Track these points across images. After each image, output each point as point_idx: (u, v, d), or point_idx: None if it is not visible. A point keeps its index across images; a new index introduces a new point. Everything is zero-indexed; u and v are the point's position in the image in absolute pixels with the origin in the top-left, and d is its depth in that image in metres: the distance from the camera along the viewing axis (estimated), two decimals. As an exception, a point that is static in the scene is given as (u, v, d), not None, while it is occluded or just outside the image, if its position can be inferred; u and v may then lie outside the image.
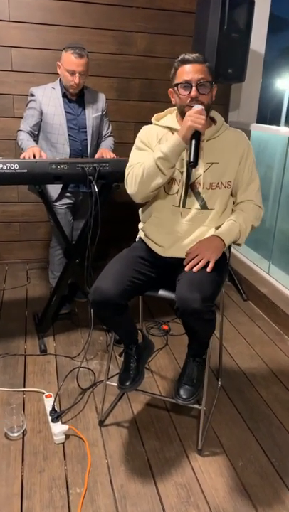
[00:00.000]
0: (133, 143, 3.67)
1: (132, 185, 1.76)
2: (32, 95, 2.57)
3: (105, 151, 2.62)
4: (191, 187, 1.77)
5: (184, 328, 1.81)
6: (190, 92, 1.66)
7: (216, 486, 1.69)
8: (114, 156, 2.58)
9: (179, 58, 1.70)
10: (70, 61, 2.44)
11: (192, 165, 1.62)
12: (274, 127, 3.15)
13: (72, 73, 2.46)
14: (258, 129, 3.25)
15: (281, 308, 2.87)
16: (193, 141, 1.61)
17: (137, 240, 2.01)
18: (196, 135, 1.61)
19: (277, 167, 3.11)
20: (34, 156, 2.30)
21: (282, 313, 2.84)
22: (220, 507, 1.60)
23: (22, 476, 1.69)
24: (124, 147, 3.17)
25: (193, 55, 1.67)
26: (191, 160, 1.60)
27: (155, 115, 1.84)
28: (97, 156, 2.61)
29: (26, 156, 2.31)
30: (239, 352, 2.57)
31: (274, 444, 1.90)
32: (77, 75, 2.46)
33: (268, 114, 3.75)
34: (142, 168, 1.70)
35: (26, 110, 2.59)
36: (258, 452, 1.85)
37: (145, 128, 1.86)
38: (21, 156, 2.33)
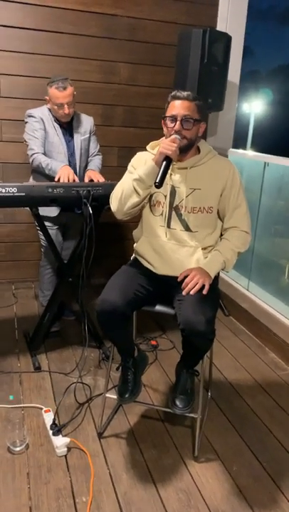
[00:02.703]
0: (116, 166, 3.83)
1: (112, 203, 1.95)
2: (32, 116, 2.64)
3: (94, 173, 2.73)
4: (175, 210, 1.92)
5: (184, 345, 1.92)
6: (174, 126, 1.82)
7: (213, 490, 1.79)
8: (102, 178, 2.68)
9: (172, 94, 1.86)
10: (56, 96, 2.54)
11: (156, 185, 1.74)
12: (251, 153, 3.37)
13: (61, 106, 2.58)
14: (235, 154, 3.46)
15: (261, 322, 3.03)
16: (163, 164, 1.74)
17: (132, 258, 2.13)
18: (167, 160, 1.75)
19: (254, 190, 3.31)
20: (68, 180, 2.42)
21: (263, 326, 3.01)
22: (219, 509, 1.71)
23: (28, 487, 1.75)
24: (108, 170, 3.32)
25: (185, 93, 1.82)
26: (157, 181, 1.73)
27: (151, 143, 1.98)
28: (86, 178, 2.72)
29: (63, 179, 2.43)
30: (225, 365, 2.71)
31: (264, 448, 2.03)
32: (65, 106, 2.57)
33: (234, 138, 3.98)
34: (122, 188, 1.89)
35: (31, 132, 2.63)
36: (249, 457, 1.98)
37: (138, 154, 2.01)
38: (56, 179, 2.44)
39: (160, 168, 1.74)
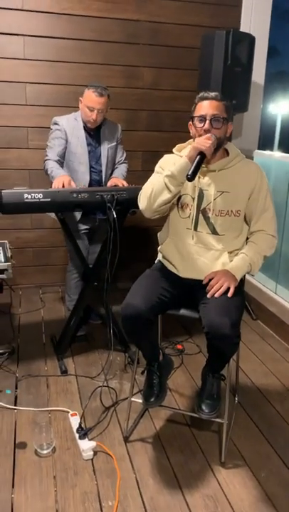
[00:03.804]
0: (141, 171, 3.83)
1: (141, 201, 1.94)
2: (56, 124, 2.68)
3: (117, 179, 2.74)
4: (202, 212, 1.90)
5: (209, 349, 1.90)
6: (204, 125, 1.81)
7: (241, 497, 1.76)
8: (126, 183, 2.68)
9: (199, 95, 1.86)
10: (91, 98, 2.57)
11: (188, 177, 1.73)
12: (276, 154, 3.32)
13: (92, 110, 2.59)
14: (261, 156, 3.42)
15: (290, 326, 2.98)
16: (197, 159, 1.75)
17: (156, 261, 2.13)
18: (201, 155, 1.76)
19: (280, 191, 3.26)
20: (63, 186, 2.40)
21: (291, 330, 2.95)
22: (246, 516, 1.68)
23: (55, 491, 1.76)
24: (132, 174, 3.34)
25: (212, 94, 1.83)
26: (189, 173, 1.73)
27: (177, 145, 1.98)
28: (109, 184, 2.73)
29: (56, 185, 2.41)
30: (252, 369, 2.66)
31: (293, 455, 1.98)
32: (95, 111, 2.60)
33: (261, 139, 3.93)
34: (152, 185, 1.89)
35: (52, 140, 2.68)
36: (278, 464, 1.93)
37: (165, 156, 2.02)
38: (53, 186, 2.45)
39: (193, 163, 1.75)
